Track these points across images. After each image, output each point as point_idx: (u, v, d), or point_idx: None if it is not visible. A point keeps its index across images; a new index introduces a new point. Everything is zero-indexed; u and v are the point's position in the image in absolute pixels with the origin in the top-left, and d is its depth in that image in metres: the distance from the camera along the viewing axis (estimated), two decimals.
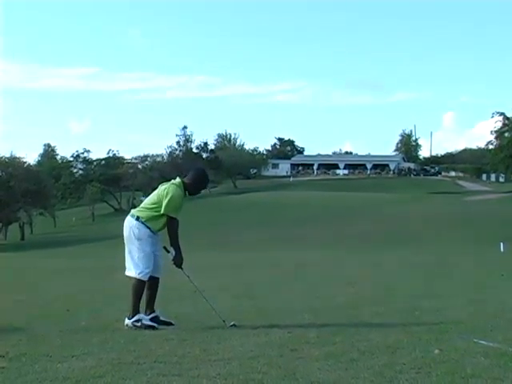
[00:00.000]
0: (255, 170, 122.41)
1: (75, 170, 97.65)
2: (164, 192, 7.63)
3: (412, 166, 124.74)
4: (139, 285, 7.57)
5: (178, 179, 7.81)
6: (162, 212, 7.54)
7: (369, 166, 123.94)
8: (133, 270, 7.58)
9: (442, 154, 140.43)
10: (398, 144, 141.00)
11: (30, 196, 69.17)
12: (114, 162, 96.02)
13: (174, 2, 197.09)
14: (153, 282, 7.69)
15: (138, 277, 7.55)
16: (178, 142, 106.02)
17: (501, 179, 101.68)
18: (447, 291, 11.20)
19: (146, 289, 7.66)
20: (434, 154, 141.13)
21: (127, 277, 7.69)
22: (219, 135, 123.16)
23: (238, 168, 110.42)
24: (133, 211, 7.83)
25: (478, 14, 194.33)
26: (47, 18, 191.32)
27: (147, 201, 7.82)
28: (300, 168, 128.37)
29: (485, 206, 65.48)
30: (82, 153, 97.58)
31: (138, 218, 7.64)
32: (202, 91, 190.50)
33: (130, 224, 7.68)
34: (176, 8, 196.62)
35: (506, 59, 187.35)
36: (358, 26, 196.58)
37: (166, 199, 7.54)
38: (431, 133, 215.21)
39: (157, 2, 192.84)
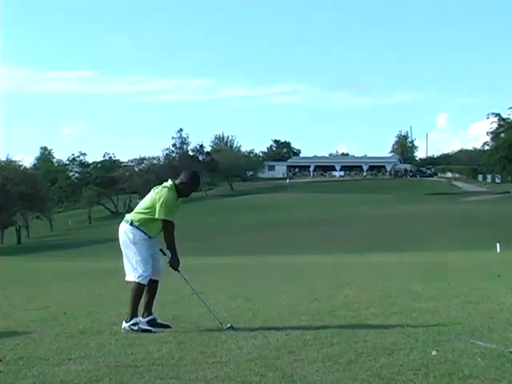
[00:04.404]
0: (251, 172, 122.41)
1: (71, 173, 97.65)
2: (157, 196, 7.60)
3: (408, 167, 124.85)
4: (138, 288, 7.55)
5: (169, 181, 7.79)
6: (156, 217, 7.53)
7: (365, 167, 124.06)
8: (132, 274, 7.56)
9: (438, 155, 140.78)
10: (394, 145, 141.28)
11: (27, 199, 69.10)
12: (110, 164, 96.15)
13: (171, 5, 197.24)
14: (152, 284, 7.68)
15: (137, 281, 7.53)
16: (174, 145, 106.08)
17: (497, 180, 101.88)
18: (444, 292, 11.19)
19: (145, 291, 7.65)
20: (429, 155, 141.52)
21: (127, 282, 7.67)
22: (216, 137, 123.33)
23: (235, 170, 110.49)
24: (126, 216, 7.81)
25: (472, 15, 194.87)
26: (44, 21, 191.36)
27: (141, 205, 7.79)
28: (296, 170, 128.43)
29: (481, 206, 65.62)
30: (78, 156, 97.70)
31: (131, 223, 7.62)
32: (198, 94, 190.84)
33: (124, 229, 7.67)
34: (173, 11, 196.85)
35: (499, 60, 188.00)
36: (354, 28, 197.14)
37: (159, 203, 7.52)
38: (427, 134, 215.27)
39: (154, 4, 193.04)
